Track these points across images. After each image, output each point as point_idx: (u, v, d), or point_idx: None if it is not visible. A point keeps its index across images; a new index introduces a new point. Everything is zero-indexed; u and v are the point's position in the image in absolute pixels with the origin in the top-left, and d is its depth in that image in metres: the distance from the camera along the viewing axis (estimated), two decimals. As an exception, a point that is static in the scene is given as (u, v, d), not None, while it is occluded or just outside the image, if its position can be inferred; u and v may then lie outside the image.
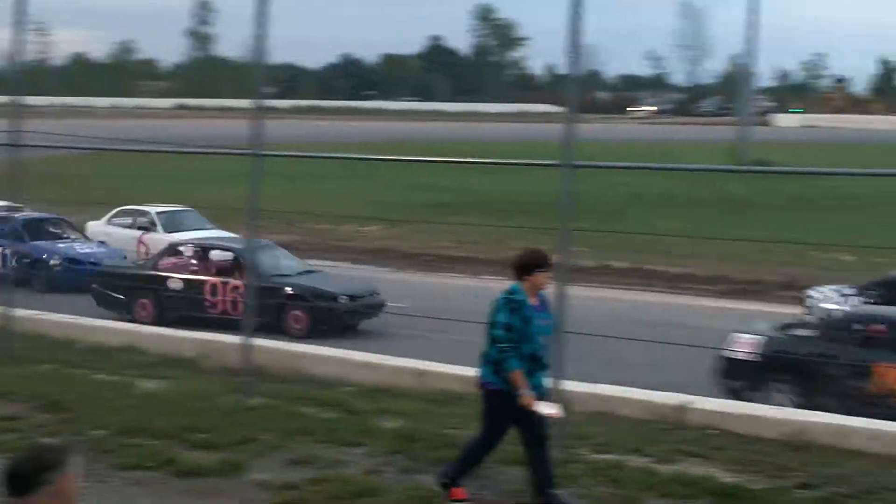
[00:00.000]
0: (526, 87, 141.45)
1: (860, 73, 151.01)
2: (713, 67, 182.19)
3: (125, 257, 26.88)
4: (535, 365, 8.83)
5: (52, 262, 26.24)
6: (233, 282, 22.17)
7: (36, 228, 27.68)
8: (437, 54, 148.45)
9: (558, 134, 11.22)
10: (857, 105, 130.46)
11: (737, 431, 11.55)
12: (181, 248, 24.08)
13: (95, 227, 30.06)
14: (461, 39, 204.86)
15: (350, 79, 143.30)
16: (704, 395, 12.93)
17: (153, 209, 30.11)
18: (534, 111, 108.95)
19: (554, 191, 11.40)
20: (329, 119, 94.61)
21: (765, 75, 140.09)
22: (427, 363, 13.84)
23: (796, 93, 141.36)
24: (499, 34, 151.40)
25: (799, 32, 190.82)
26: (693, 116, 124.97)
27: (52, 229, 28.23)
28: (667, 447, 10.72)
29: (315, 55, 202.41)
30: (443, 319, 21.08)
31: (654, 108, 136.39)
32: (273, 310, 21.28)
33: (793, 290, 27.58)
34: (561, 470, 9.14)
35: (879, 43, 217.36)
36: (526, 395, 8.66)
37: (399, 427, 11.13)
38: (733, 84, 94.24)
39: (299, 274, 23.29)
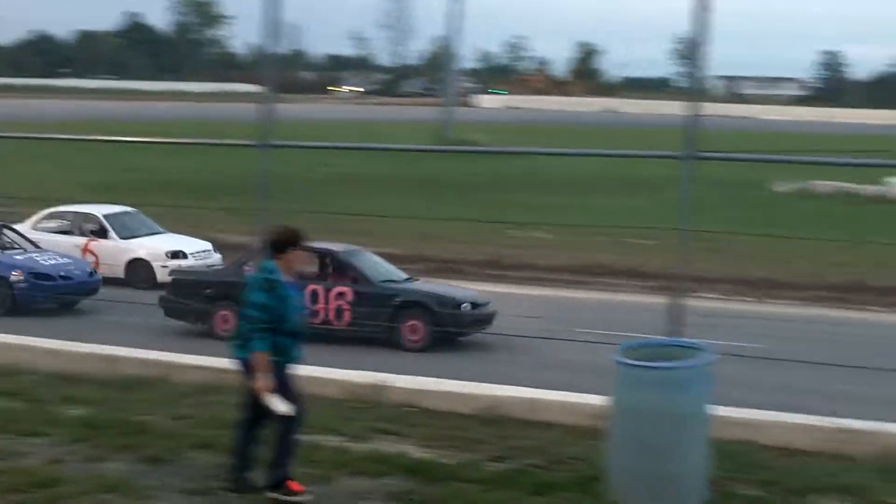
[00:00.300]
0: (228, 66, 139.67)
1: (560, 57, 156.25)
2: (418, 48, 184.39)
3: (94, 270, 23.91)
4: (295, 341, 8.66)
5: (12, 277, 22.40)
6: (338, 287, 20.26)
7: None
8: (136, 31, 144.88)
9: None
10: (557, 87, 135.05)
11: (433, 408, 11.59)
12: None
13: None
14: (160, 17, 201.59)
15: (43, 56, 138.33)
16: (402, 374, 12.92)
17: (98, 210, 26.39)
18: (236, 91, 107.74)
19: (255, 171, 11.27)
20: (21, 97, 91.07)
21: (468, 57, 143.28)
22: (116, 349, 13.39)
23: (499, 74, 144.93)
24: (200, 12, 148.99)
25: (501, 15, 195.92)
26: (398, 97, 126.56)
27: None
28: (362, 426, 10.69)
29: (5, 31, 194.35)
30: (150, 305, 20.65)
31: (361, 89, 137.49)
32: (384, 320, 19.78)
33: (495, 268, 28.21)
34: (260, 452, 8.92)
35: (577, 27, 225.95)
36: (263, 381, 8.41)
37: (84, 415, 10.71)
38: (437, 65, 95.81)
39: (406, 280, 21.26)
